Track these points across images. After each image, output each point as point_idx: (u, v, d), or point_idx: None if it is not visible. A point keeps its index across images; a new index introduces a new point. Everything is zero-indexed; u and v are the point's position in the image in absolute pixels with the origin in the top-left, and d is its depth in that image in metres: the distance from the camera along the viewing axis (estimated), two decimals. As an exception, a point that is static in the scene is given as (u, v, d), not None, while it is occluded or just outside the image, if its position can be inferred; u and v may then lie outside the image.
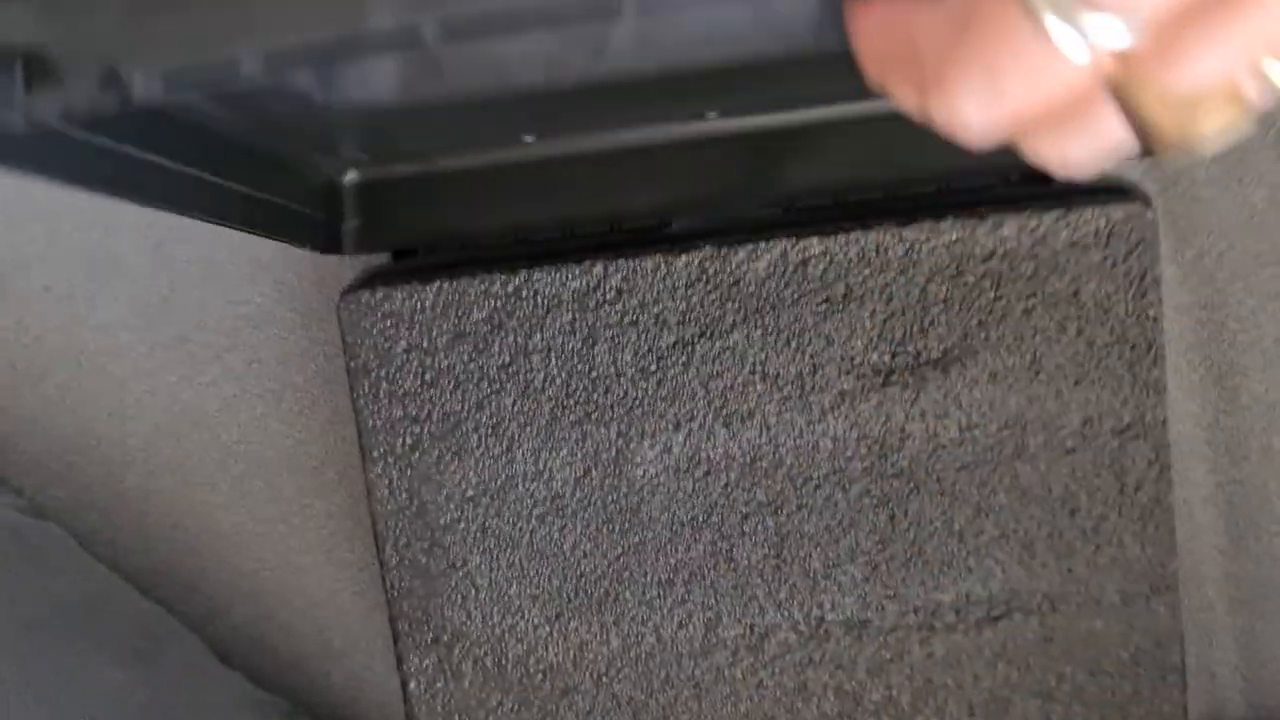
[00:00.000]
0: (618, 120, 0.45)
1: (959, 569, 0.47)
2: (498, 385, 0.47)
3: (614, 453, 0.48)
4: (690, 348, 0.47)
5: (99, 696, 0.45)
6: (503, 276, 0.47)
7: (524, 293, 0.47)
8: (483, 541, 0.48)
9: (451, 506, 0.48)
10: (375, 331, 0.47)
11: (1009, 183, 0.46)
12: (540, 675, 0.49)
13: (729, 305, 0.46)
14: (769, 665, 0.49)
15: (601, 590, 0.49)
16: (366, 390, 0.48)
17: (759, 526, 0.48)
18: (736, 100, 0.43)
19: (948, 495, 0.46)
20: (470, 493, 0.48)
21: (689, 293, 0.46)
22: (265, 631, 0.58)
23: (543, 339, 0.47)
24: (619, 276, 0.46)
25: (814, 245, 0.45)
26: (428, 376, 0.47)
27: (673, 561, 0.48)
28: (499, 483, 0.48)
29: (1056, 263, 0.44)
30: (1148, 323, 0.44)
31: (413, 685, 0.50)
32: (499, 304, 0.47)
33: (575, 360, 0.47)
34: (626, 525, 0.48)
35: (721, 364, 0.47)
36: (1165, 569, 0.46)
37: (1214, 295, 0.50)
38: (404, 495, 0.48)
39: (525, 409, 0.47)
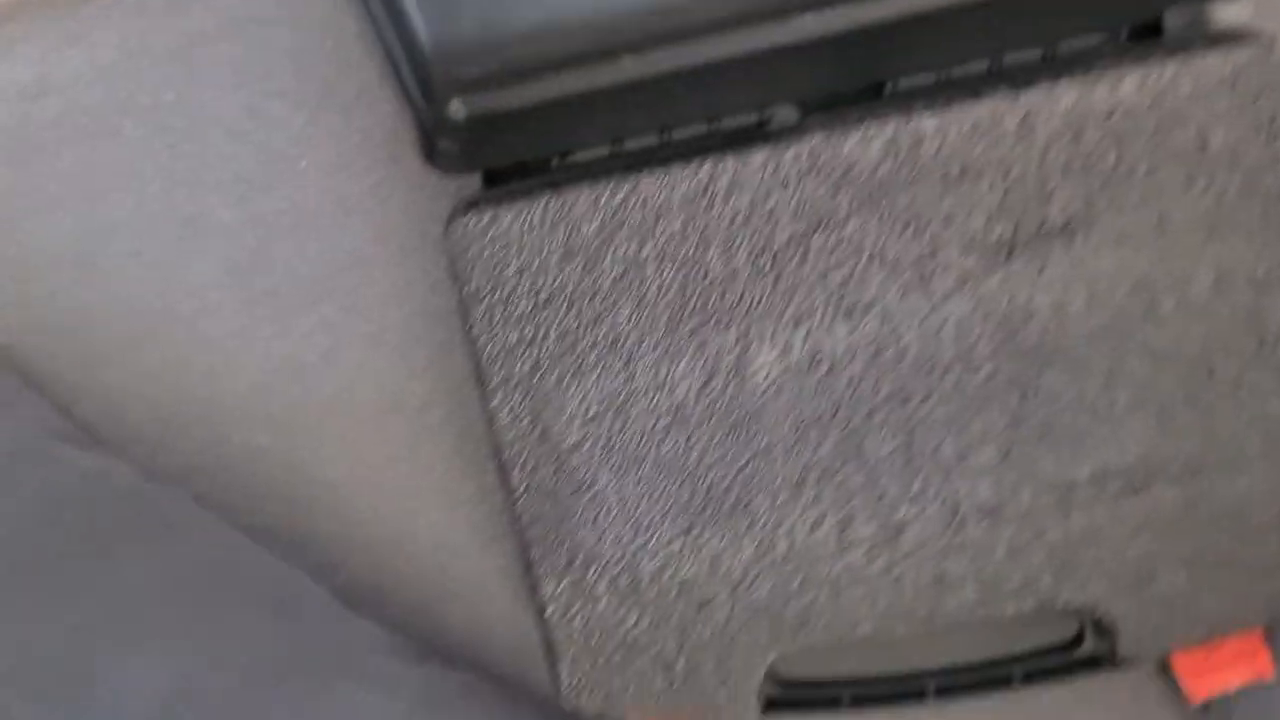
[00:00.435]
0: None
1: (1094, 442, 0.46)
2: (612, 300, 0.47)
3: (734, 357, 0.47)
4: (805, 242, 0.46)
5: (247, 645, 0.45)
6: (609, 187, 0.46)
7: (631, 202, 0.46)
8: (609, 460, 0.48)
9: (575, 427, 0.48)
10: (484, 256, 0.47)
11: (1118, 41, 0.45)
12: (675, 590, 0.49)
13: (842, 194, 0.45)
14: (905, 560, 0.48)
15: (731, 499, 0.48)
16: (480, 317, 0.47)
17: (887, 419, 0.47)
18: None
19: (1078, 367, 0.46)
20: (592, 412, 0.48)
21: (800, 185, 0.45)
22: (384, 580, 0.58)
23: (654, 247, 0.46)
24: (727, 176, 0.46)
25: (926, 123, 0.44)
26: (541, 297, 0.47)
27: (801, 463, 0.48)
28: (620, 399, 0.48)
29: (1180, 115, 0.43)
30: None
31: (550, 610, 0.49)
32: (607, 216, 0.46)
33: (689, 266, 0.46)
34: (752, 430, 0.47)
35: (838, 256, 0.46)
36: None
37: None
38: (526, 420, 0.48)
39: (641, 321, 0.47)
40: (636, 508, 0.48)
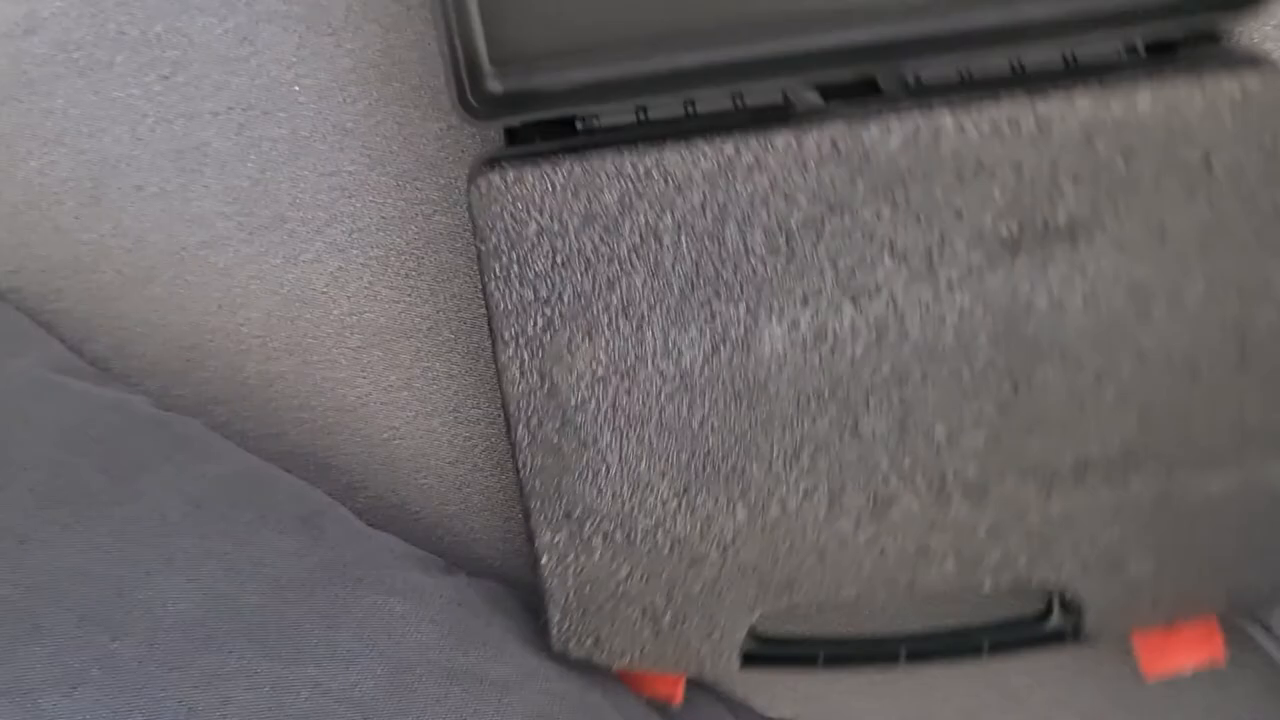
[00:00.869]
0: None
1: (1079, 434, 0.49)
2: (629, 266, 0.48)
3: (742, 330, 0.49)
4: (820, 224, 0.47)
5: (275, 560, 0.46)
6: (633, 157, 0.47)
7: (654, 173, 0.47)
8: (613, 419, 0.50)
9: (582, 386, 0.49)
10: (507, 215, 0.48)
11: (1135, 54, 0.47)
12: (668, 547, 0.51)
13: (859, 182, 0.47)
14: (891, 532, 0.50)
15: (729, 464, 0.50)
16: (499, 273, 0.49)
17: (884, 399, 0.49)
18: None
19: (1071, 363, 0.48)
20: (601, 372, 0.49)
21: (820, 170, 0.47)
22: (405, 497, 0.59)
23: (673, 219, 0.48)
24: (750, 155, 0.47)
25: (946, 119, 0.46)
26: (559, 259, 0.48)
27: (798, 435, 0.50)
28: (629, 362, 0.49)
29: (1188, 132, 0.45)
30: (1278, 189, 0.45)
31: (545, 559, 0.51)
32: (630, 185, 0.47)
33: (705, 240, 0.48)
34: (754, 401, 0.49)
35: (851, 240, 0.47)
36: None
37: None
38: (535, 376, 0.50)
39: (655, 288, 0.48)
40: (636, 466, 0.50)
